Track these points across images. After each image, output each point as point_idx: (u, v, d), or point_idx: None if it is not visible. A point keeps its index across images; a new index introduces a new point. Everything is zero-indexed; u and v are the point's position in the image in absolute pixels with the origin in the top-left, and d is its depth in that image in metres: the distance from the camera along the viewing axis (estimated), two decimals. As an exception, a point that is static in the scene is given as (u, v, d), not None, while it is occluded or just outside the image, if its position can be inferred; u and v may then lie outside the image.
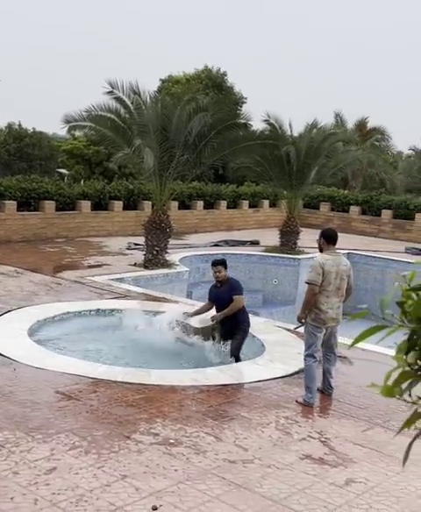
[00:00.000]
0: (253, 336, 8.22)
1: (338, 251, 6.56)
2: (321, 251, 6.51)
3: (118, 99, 13.33)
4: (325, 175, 16.21)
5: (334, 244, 6.46)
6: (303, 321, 6.50)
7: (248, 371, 7.16)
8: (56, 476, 4.49)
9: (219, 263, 7.67)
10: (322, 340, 6.42)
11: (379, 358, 8.09)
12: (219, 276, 7.62)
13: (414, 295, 1.56)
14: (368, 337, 1.62)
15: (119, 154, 13.54)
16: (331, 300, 6.29)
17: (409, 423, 1.63)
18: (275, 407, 6.15)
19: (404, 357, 1.56)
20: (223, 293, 7.57)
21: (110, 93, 13.17)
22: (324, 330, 6.36)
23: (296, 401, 6.32)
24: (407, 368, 1.56)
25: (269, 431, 5.58)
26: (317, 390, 6.40)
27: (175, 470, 4.75)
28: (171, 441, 5.22)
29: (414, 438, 1.69)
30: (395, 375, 1.59)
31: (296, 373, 7.09)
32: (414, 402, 1.62)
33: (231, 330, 7.52)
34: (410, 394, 1.61)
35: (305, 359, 6.42)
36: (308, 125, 15.90)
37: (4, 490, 4.24)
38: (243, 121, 14.16)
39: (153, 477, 4.61)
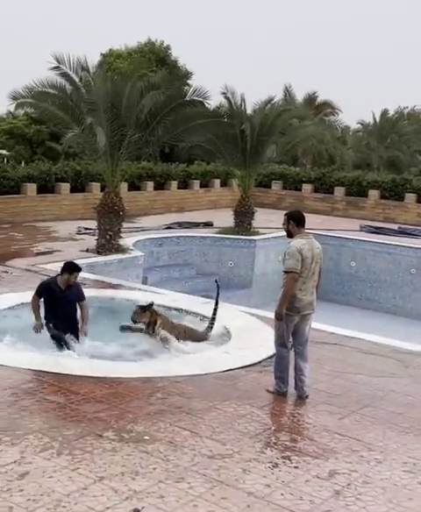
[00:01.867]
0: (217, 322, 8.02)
1: (308, 232, 6.21)
2: (290, 235, 6.11)
3: (65, 75, 12.77)
4: (280, 153, 16.01)
5: (304, 226, 6.13)
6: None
7: (217, 360, 6.98)
8: (30, 481, 4.26)
9: (80, 270, 7.63)
10: (292, 329, 6.06)
11: (347, 341, 8.07)
12: (73, 281, 7.55)
13: None
14: None
15: (69, 134, 13.03)
16: (306, 286, 5.96)
17: None
18: (249, 397, 6.01)
19: None
20: (71, 295, 7.50)
21: (56, 68, 12.61)
22: (297, 319, 6.02)
23: (268, 391, 6.18)
24: None
25: (245, 423, 5.44)
26: (288, 379, 6.14)
27: (154, 468, 4.57)
28: (146, 438, 5.03)
29: None
30: None
31: (266, 359, 6.96)
32: None
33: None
34: None
35: (277, 350, 6.16)
36: (262, 101, 15.59)
37: (-24, 500, 3.98)
38: (199, 99, 13.79)
39: (131, 477, 4.42)
